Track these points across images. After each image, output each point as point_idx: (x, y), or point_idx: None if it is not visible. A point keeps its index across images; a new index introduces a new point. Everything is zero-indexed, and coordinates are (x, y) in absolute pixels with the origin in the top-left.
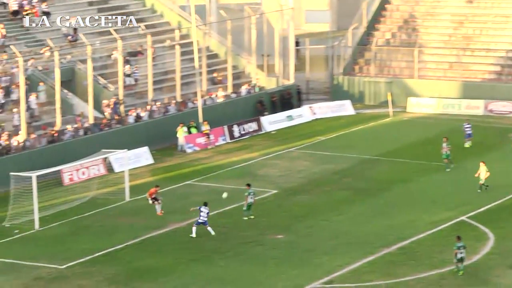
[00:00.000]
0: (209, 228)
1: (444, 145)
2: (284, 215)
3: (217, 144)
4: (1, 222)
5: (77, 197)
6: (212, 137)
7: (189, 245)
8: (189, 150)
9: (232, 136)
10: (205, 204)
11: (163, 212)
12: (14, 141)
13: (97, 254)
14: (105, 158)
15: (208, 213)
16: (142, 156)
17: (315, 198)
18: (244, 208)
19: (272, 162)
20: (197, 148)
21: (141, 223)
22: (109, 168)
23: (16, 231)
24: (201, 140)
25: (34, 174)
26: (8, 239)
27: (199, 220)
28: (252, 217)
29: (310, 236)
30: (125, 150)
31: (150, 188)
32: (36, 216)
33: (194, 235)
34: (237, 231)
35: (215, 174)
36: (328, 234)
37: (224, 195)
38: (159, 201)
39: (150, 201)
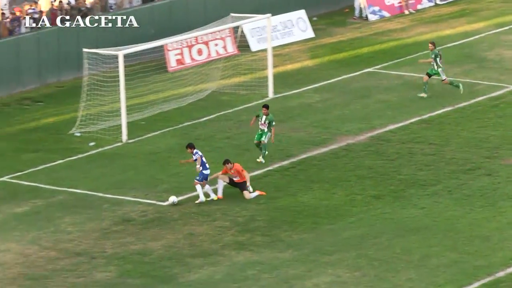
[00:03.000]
0: (208, 192)
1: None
2: None
3: (419, 7)
4: (68, 130)
5: (190, 90)
6: None
7: (372, 172)
8: (372, 17)
9: None
10: (190, 146)
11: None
12: None
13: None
14: (235, 28)
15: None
16: (295, 26)
17: None
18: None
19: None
20: (386, 14)
21: (293, 136)
22: (242, 45)
23: (92, 143)
24: (393, 0)
25: (120, 52)
26: (78, 156)
27: (198, 176)
28: None
29: None
30: (268, 15)
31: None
32: (124, 121)
33: (202, 199)
34: (451, 152)
35: (415, 57)
36: None
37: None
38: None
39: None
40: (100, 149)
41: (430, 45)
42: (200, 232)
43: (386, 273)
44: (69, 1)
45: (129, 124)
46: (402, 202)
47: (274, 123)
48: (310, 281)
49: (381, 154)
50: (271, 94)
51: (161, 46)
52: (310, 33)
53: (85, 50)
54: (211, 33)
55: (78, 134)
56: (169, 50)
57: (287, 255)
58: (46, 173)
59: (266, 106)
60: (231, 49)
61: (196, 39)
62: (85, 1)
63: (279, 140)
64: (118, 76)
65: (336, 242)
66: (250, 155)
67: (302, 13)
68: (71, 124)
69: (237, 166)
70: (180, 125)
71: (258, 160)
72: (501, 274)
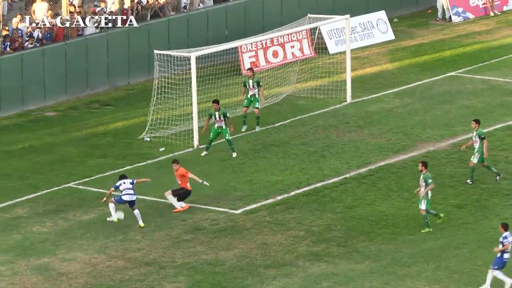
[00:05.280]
0: (136, 214)
1: None
2: None
3: (505, 8)
4: (137, 134)
5: (265, 94)
6: None
7: (453, 181)
8: (456, 18)
9: None
10: (122, 177)
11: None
12: None
13: (294, 193)
14: (313, 29)
15: (132, 183)
16: (375, 27)
17: None
18: None
19: None
20: (470, 15)
21: (372, 142)
22: (319, 47)
23: (162, 149)
24: (478, 1)
25: (193, 54)
26: (147, 162)
27: (122, 197)
28: None
29: None
30: (347, 16)
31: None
32: (196, 126)
33: (113, 217)
34: None
35: (500, 61)
36: None
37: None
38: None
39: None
40: (170, 155)
41: (248, 71)
42: (274, 242)
43: (467, 287)
44: (140, 0)
45: (201, 129)
46: (484, 212)
47: (228, 114)
48: None
49: (464, 161)
50: (349, 99)
51: (235, 48)
52: (390, 35)
53: (156, 51)
54: (287, 34)
55: (148, 139)
56: (243, 52)
57: (363, 267)
58: (115, 180)
59: (216, 101)
60: (308, 51)
61: (272, 41)
62: (157, 0)
63: (356, 146)
64: (190, 79)
65: (415, 253)
66: (326, 162)
67: (382, 14)
68: (141, 129)
69: (182, 169)
70: (254, 130)
71: (233, 156)
72: None
